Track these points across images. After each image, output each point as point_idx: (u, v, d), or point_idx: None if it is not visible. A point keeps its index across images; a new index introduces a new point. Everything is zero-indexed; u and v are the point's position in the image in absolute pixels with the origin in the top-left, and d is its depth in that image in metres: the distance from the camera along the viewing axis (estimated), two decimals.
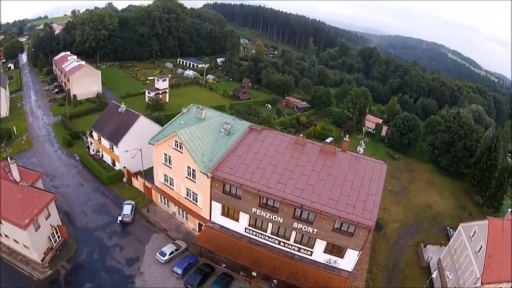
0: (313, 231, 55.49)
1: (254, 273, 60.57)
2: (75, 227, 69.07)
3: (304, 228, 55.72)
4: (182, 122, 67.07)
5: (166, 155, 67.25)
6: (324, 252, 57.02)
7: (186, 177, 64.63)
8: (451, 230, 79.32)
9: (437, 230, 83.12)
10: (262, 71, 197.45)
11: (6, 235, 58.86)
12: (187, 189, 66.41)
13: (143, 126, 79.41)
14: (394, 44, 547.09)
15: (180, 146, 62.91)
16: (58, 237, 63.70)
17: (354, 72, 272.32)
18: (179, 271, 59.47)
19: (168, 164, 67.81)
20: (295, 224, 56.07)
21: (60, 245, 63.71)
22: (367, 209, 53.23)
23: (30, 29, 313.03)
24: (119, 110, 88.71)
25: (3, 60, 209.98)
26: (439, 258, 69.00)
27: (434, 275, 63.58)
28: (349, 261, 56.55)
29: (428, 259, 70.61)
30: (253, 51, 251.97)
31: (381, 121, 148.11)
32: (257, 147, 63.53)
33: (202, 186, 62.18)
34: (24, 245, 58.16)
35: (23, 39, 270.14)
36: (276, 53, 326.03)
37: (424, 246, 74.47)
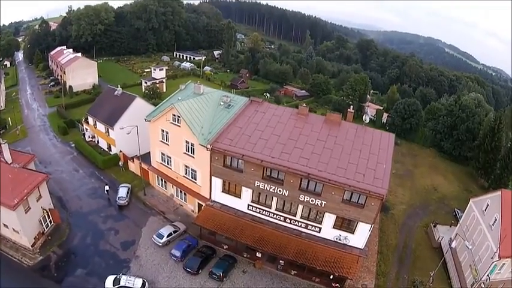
0: (321, 203, 51.96)
1: (258, 254, 57.00)
2: (69, 211, 65.80)
3: (312, 201, 52.26)
4: (180, 98, 63.50)
5: (163, 131, 64.04)
6: (333, 227, 53.34)
7: (185, 153, 61.27)
8: (459, 211, 76.62)
9: (445, 212, 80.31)
10: (259, 62, 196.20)
11: None
12: (186, 166, 63.08)
13: (140, 108, 76.02)
14: (390, 39, 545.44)
15: (178, 119, 59.83)
16: (50, 221, 60.28)
17: (352, 63, 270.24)
18: (178, 254, 55.40)
19: (165, 141, 64.57)
20: (301, 197, 52.58)
21: (52, 230, 60.23)
22: (378, 177, 49.88)
23: (26, 30, 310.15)
24: (115, 93, 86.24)
25: (0, 59, 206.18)
26: (450, 238, 65.87)
27: (446, 255, 61.45)
28: (360, 237, 53.03)
29: (440, 239, 67.54)
30: (250, 44, 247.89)
31: (381, 108, 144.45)
32: (258, 118, 60.34)
33: (202, 161, 58.92)
34: (14, 230, 54.47)
35: (19, 39, 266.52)
36: (272, 47, 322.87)
37: (434, 226, 71.32)
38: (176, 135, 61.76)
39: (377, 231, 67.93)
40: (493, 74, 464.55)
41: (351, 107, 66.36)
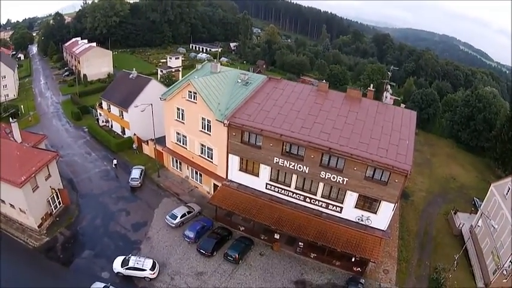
0: (343, 180, 49.81)
1: (277, 236, 55.20)
2: (79, 193, 64.36)
3: (333, 178, 50.09)
4: (196, 77, 61.41)
5: (179, 109, 62.44)
6: (355, 207, 51.27)
7: (201, 130, 59.67)
8: (478, 200, 73.86)
9: (464, 201, 77.71)
10: (276, 53, 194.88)
11: (2, 201, 53.82)
12: (202, 145, 61.53)
13: (155, 90, 74.23)
14: (405, 37, 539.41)
15: (194, 96, 58.16)
16: (59, 202, 58.63)
17: (368, 57, 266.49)
18: (191, 235, 53.59)
19: (180, 120, 62.97)
20: (322, 174, 50.53)
21: (61, 212, 58.62)
22: (401, 153, 47.93)
23: (40, 24, 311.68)
24: (130, 76, 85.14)
25: (13, 52, 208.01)
26: (471, 225, 63.41)
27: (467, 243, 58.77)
28: (383, 217, 50.82)
29: (461, 225, 65.18)
30: (267, 36, 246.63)
31: (398, 99, 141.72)
32: (277, 95, 58.50)
33: (218, 138, 57.18)
34: (21, 210, 52.84)
35: (33, 34, 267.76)
36: (289, 41, 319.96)
37: (455, 213, 68.89)
38: (192, 112, 60.09)
39: (397, 217, 65.87)
40: (507, 72, 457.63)
41: (371, 85, 63.78)
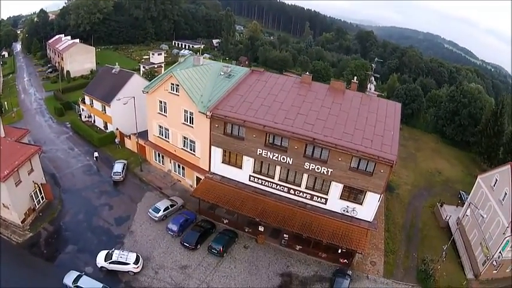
0: (327, 172, 49.30)
1: (261, 229, 54.59)
2: (62, 188, 63.32)
3: (317, 169, 49.56)
4: (179, 70, 60.30)
5: (161, 102, 61.50)
6: (341, 198, 50.93)
7: (183, 123, 58.92)
8: (464, 193, 73.92)
9: (450, 194, 77.59)
10: (259, 49, 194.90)
11: None
12: (184, 138, 60.71)
13: (137, 84, 73.02)
14: (389, 35, 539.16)
15: (177, 88, 57.38)
16: (42, 198, 57.61)
17: (351, 53, 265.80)
18: (175, 228, 53.08)
19: (163, 113, 62.09)
20: (306, 165, 49.92)
21: (44, 207, 57.61)
22: (386, 143, 47.53)
23: (24, 22, 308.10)
24: (113, 71, 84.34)
25: None
26: (458, 217, 63.53)
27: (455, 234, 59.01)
28: (369, 208, 50.40)
29: (447, 218, 65.11)
30: (249, 32, 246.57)
31: (382, 94, 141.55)
32: (260, 86, 57.98)
33: (201, 130, 56.46)
34: (4, 205, 51.57)
35: (18, 31, 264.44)
36: (271, 38, 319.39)
37: (441, 205, 68.80)
38: (174, 105, 59.34)
39: (383, 210, 65.72)
40: (492, 69, 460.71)
41: (355, 77, 63.39)
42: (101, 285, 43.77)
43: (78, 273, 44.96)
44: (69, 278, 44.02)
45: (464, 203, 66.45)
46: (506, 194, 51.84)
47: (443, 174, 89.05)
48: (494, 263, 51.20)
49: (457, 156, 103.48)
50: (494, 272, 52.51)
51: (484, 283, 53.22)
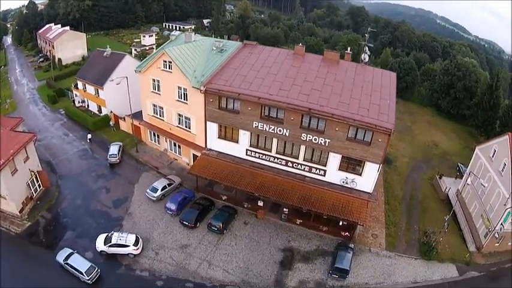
0: (325, 142, 48.72)
1: (260, 204, 54.11)
2: (58, 174, 62.73)
3: (315, 139, 48.98)
4: (171, 47, 59.45)
5: (154, 80, 60.63)
6: (339, 169, 50.44)
7: (177, 100, 58.23)
8: (462, 166, 73.49)
9: (448, 167, 77.10)
10: (250, 27, 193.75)
11: None
12: (179, 115, 60.13)
13: (130, 66, 71.61)
14: (381, 11, 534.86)
15: (170, 65, 56.52)
16: (39, 185, 57.00)
17: (343, 29, 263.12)
18: (173, 207, 52.67)
19: (156, 91, 61.21)
20: (303, 136, 49.39)
21: (41, 194, 56.93)
22: (383, 112, 47.04)
23: (14, 15, 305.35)
24: (104, 54, 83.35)
25: None
26: (458, 189, 63.49)
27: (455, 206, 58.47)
28: (368, 179, 49.89)
29: (447, 190, 64.47)
30: (240, 11, 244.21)
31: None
32: (253, 59, 57.09)
33: (195, 106, 55.74)
34: (1, 196, 50.74)
35: (8, 25, 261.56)
36: (262, 16, 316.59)
37: (440, 177, 68.36)
38: (168, 82, 58.54)
39: (382, 183, 65.22)
40: (486, 45, 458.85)
41: (349, 48, 62.55)
42: (89, 264, 43.68)
43: (71, 251, 45.10)
44: (61, 256, 44.35)
45: (462, 176, 66.18)
46: (505, 164, 51.28)
47: (440, 147, 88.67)
48: (496, 235, 50.84)
49: (454, 129, 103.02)
50: (496, 244, 52.22)
51: (486, 256, 52.90)
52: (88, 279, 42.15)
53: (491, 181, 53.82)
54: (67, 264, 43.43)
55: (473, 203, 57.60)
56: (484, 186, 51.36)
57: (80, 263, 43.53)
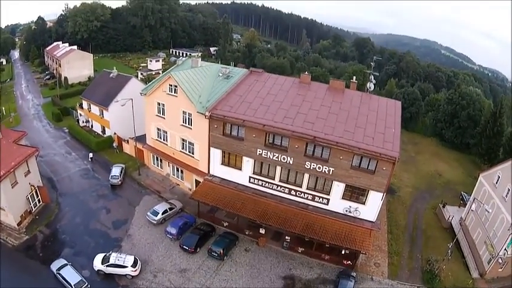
0: (329, 171, 48.50)
1: (262, 231, 53.69)
2: (59, 192, 62.61)
3: (319, 168, 48.79)
4: (177, 71, 59.94)
5: (159, 104, 60.94)
6: (343, 198, 50.07)
7: (182, 125, 58.26)
8: (465, 194, 73.37)
9: (451, 196, 76.54)
10: (256, 56, 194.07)
11: None
12: (183, 140, 60.11)
13: (135, 88, 72.15)
14: (386, 42, 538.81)
15: (175, 89, 56.80)
16: (38, 200, 56.92)
17: (349, 60, 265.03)
18: (173, 231, 52.14)
19: (161, 115, 61.39)
20: (307, 164, 49.14)
21: (41, 210, 56.79)
22: (388, 140, 47.09)
23: (22, 30, 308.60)
24: (111, 75, 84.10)
25: None
26: (461, 217, 63.06)
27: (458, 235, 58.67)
28: (371, 208, 49.51)
29: (450, 218, 64.39)
30: (247, 40, 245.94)
31: None
32: (259, 86, 57.40)
33: (200, 132, 55.70)
34: (0, 207, 50.64)
35: (16, 39, 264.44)
36: (269, 46, 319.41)
37: (443, 206, 68.14)
38: (173, 106, 58.70)
39: (385, 212, 64.89)
40: (489, 74, 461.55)
41: (354, 77, 62.82)
42: (80, 278, 43.54)
43: (65, 262, 45.35)
44: (55, 265, 44.78)
45: (466, 204, 65.91)
46: (509, 190, 51.01)
47: (444, 177, 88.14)
48: (500, 260, 50.36)
49: (457, 159, 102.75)
50: (500, 270, 51.64)
51: (490, 282, 52.38)
52: None
53: (495, 207, 53.43)
54: (59, 274, 43.74)
55: (477, 230, 57.21)
56: (488, 212, 51.10)
57: (71, 276, 43.48)
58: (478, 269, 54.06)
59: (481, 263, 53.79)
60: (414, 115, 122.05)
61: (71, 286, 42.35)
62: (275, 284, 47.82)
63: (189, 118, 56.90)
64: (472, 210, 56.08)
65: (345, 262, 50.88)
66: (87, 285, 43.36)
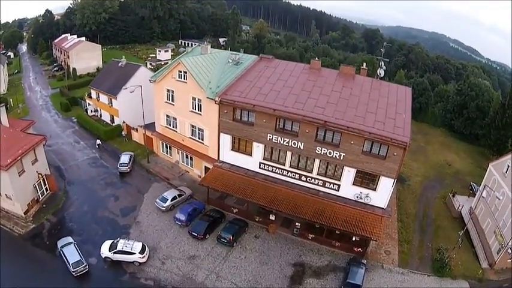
0: (339, 156, 48.01)
1: (272, 217, 53.31)
2: (67, 180, 62.60)
3: (329, 153, 48.32)
4: (187, 57, 59.63)
5: (168, 91, 60.67)
6: (353, 184, 49.50)
7: (191, 111, 57.96)
8: (475, 185, 72.36)
9: (461, 186, 75.88)
10: (266, 46, 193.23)
11: None
12: (192, 126, 59.77)
13: (144, 76, 71.75)
14: (395, 34, 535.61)
15: (185, 75, 56.50)
16: (46, 189, 56.79)
17: (358, 51, 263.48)
18: (182, 217, 51.72)
19: (170, 102, 61.10)
20: (318, 150, 48.71)
21: (48, 198, 56.70)
22: (399, 125, 46.60)
23: (29, 24, 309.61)
24: (119, 64, 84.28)
25: (3, 51, 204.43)
26: (471, 207, 62.16)
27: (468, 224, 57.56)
28: (382, 194, 48.91)
29: (460, 208, 63.67)
30: (256, 31, 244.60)
31: None
32: (269, 72, 56.98)
33: (209, 117, 55.45)
34: (7, 196, 50.69)
35: (23, 33, 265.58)
36: (278, 37, 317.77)
37: (453, 196, 67.45)
38: (182, 92, 58.38)
39: (395, 201, 64.30)
40: (498, 67, 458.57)
41: (364, 64, 62.29)
42: (79, 258, 43.77)
43: (71, 241, 45.89)
44: (61, 242, 45.91)
45: (475, 194, 65.20)
46: None
47: (453, 167, 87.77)
48: (509, 251, 49.48)
49: (466, 150, 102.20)
50: (509, 260, 50.92)
51: (499, 272, 51.72)
52: (73, 271, 42.51)
53: (505, 196, 52.55)
54: (62, 251, 44.37)
55: (486, 219, 56.57)
56: (499, 199, 50.46)
57: (72, 254, 43.80)
58: (488, 259, 53.44)
59: (491, 253, 53.20)
60: (423, 106, 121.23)
61: (69, 264, 42.88)
62: (285, 271, 47.45)
63: (198, 104, 56.58)
64: (482, 197, 55.52)
65: (355, 249, 50.43)
66: (85, 265, 43.55)
